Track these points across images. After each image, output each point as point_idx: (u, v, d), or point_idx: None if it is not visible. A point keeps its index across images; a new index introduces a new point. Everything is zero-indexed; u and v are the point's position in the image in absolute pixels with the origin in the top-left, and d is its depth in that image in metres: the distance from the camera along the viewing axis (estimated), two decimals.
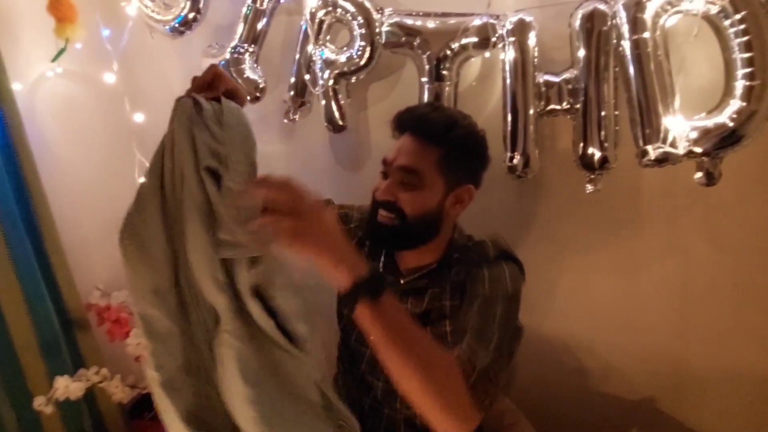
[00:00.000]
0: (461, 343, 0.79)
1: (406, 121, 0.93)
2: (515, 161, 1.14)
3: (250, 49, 1.37)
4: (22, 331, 1.37)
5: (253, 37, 1.36)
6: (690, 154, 0.98)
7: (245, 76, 1.37)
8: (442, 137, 0.89)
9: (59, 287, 1.46)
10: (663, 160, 0.99)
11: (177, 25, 1.36)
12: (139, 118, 1.46)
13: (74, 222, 1.56)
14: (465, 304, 0.88)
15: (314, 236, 0.64)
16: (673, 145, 0.98)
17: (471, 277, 0.91)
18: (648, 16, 0.97)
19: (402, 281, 0.99)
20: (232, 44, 1.35)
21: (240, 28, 1.35)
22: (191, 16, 1.35)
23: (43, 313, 1.38)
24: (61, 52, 1.40)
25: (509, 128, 1.13)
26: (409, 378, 0.68)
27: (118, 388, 1.30)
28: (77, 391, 1.22)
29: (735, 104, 0.94)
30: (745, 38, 0.91)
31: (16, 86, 1.34)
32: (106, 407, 1.63)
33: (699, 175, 1.01)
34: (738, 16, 0.91)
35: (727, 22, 0.93)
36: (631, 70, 1.00)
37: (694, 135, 0.98)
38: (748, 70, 0.92)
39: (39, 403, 1.19)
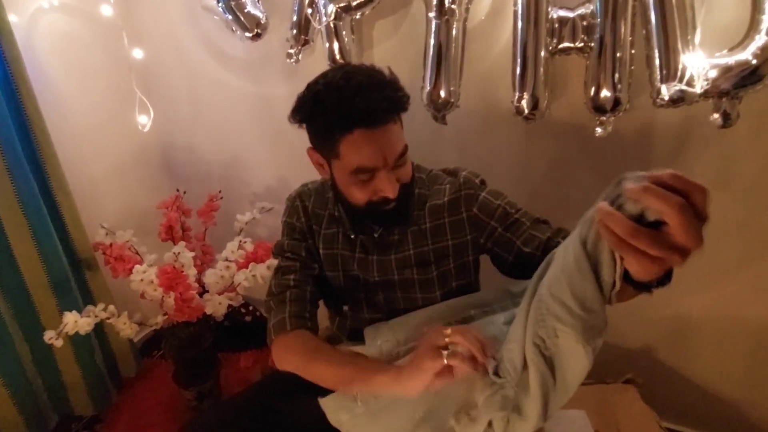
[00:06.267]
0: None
1: (362, 116, 0.77)
2: (523, 102, 1.10)
3: None
4: (33, 268, 1.38)
5: None
6: (707, 93, 0.93)
7: (246, 11, 1.32)
8: (402, 105, 0.82)
9: (66, 226, 1.46)
10: (678, 99, 0.94)
11: None
12: (138, 54, 1.43)
13: (78, 161, 1.55)
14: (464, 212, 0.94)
15: None
16: (689, 83, 0.93)
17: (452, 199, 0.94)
18: None
19: (375, 235, 0.96)
20: None
21: None
22: None
23: (52, 252, 1.39)
24: None
25: (518, 67, 1.08)
26: None
27: (125, 325, 1.32)
28: (86, 326, 1.24)
29: (760, 40, 0.88)
30: None
31: (12, 18, 1.30)
32: (117, 344, 1.68)
33: (715, 116, 0.96)
34: None
35: None
36: (651, 3, 0.94)
37: (713, 74, 0.92)
38: None
39: (49, 336, 1.20)
